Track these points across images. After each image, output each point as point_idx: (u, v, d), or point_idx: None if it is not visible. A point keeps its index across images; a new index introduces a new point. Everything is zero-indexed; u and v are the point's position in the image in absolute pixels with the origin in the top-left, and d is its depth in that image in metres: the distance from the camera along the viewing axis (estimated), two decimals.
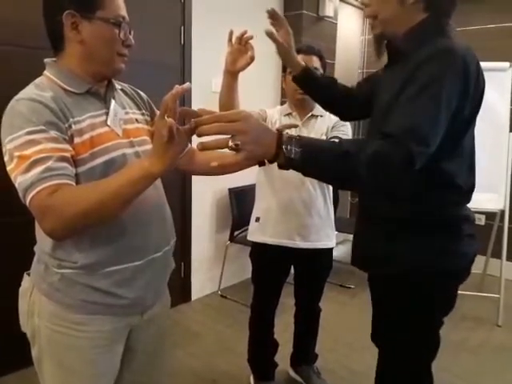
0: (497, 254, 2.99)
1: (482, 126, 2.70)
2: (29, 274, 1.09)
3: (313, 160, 0.92)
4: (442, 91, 1.05)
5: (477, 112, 1.18)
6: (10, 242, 1.96)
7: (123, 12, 1.03)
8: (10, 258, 1.66)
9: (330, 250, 1.97)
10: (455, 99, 1.07)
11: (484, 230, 3.42)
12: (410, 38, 1.16)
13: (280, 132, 0.90)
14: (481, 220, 3.68)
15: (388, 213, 1.22)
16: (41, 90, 0.97)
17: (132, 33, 1.07)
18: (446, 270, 1.20)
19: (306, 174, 1.01)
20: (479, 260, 3.31)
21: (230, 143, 0.83)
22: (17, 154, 0.89)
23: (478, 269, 3.37)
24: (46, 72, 1.04)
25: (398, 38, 1.19)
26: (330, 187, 1.91)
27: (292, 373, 2.20)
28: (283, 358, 2.17)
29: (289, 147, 0.89)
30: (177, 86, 0.86)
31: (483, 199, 2.92)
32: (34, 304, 1.04)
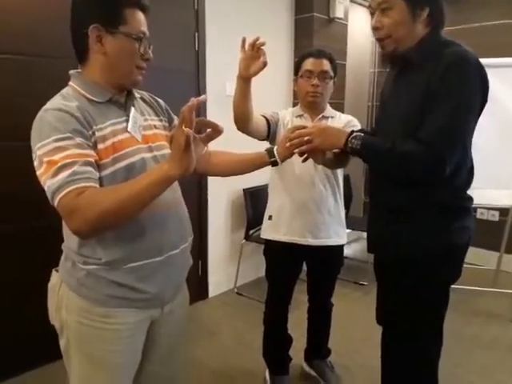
0: (510, 250, 2.99)
1: (492, 123, 2.77)
2: (57, 271, 1.18)
3: (367, 151, 1.32)
4: (466, 97, 1.21)
5: (482, 108, 1.28)
6: (39, 242, 2.06)
7: (144, 28, 1.11)
8: (40, 256, 1.75)
9: (341, 247, 2.01)
10: (478, 102, 1.23)
11: (498, 226, 3.43)
12: (420, 51, 1.28)
13: (352, 131, 1.36)
14: (495, 216, 3.68)
15: (395, 198, 1.35)
16: (67, 100, 1.05)
17: (151, 47, 1.14)
18: (453, 243, 1.34)
19: (362, 160, 1.37)
20: (493, 256, 3.35)
21: (305, 138, 1.34)
22: (46, 159, 0.97)
23: (492, 264, 3.38)
24: (71, 83, 1.12)
25: (409, 52, 1.29)
26: (341, 186, 1.96)
27: (306, 367, 2.25)
28: (297, 352, 2.22)
29: (353, 141, 1.32)
30: (193, 98, 0.94)
31: (497, 195, 2.93)
32: (62, 298, 1.12)
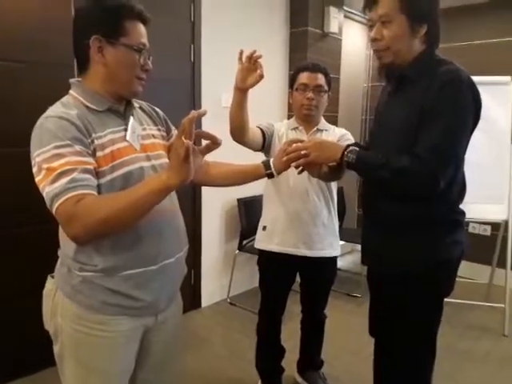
0: (502, 264, 3.02)
1: (485, 139, 2.83)
2: (52, 277, 1.18)
3: (362, 165, 1.36)
4: (460, 115, 1.24)
5: (475, 125, 1.31)
6: (35, 247, 2.07)
7: (144, 39, 1.13)
8: (36, 261, 1.75)
9: (335, 258, 2.03)
10: (471, 120, 1.27)
11: (490, 241, 3.46)
12: (415, 67, 1.32)
13: (347, 145, 1.39)
14: (486, 231, 3.71)
15: (390, 212, 1.37)
16: (67, 108, 1.07)
17: (151, 59, 1.17)
18: (446, 258, 1.36)
19: (358, 173, 1.42)
20: (485, 270, 3.37)
21: (302, 152, 1.38)
22: (45, 166, 0.98)
23: (484, 279, 3.40)
24: (71, 91, 1.14)
25: (404, 67, 1.33)
26: (335, 198, 1.98)
27: (299, 378, 2.25)
28: (290, 363, 2.22)
29: (349, 155, 1.35)
30: (193, 111, 0.96)
31: (488, 210, 2.97)
32: (57, 304, 1.13)
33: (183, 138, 0.94)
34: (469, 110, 1.26)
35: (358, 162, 1.34)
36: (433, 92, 1.24)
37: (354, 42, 4.14)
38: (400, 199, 1.34)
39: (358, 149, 1.37)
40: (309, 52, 3.33)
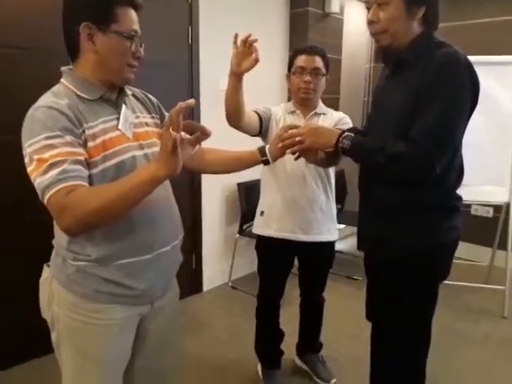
0: (503, 246, 3.01)
1: (487, 120, 2.78)
2: (48, 266, 1.19)
3: (357, 151, 1.34)
4: (457, 98, 1.22)
5: (473, 110, 1.29)
6: (32, 237, 2.08)
7: (136, 26, 1.11)
8: (33, 251, 1.76)
9: (333, 243, 2.03)
10: (469, 102, 1.25)
11: (491, 223, 3.45)
12: (413, 50, 1.30)
13: (342, 131, 1.39)
14: (489, 213, 3.70)
15: (385, 198, 1.36)
16: (57, 97, 1.05)
17: (143, 46, 1.15)
18: (441, 243, 1.36)
19: (353, 159, 1.39)
20: (487, 252, 3.38)
21: (297, 139, 1.37)
22: (36, 157, 0.98)
23: (486, 261, 3.41)
24: (62, 80, 1.12)
25: (402, 50, 1.31)
26: (333, 183, 1.97)
27: (298, 361, 2.28)
28: (290, 347, 2.25)
29: (344, 141, 1.34)
30: (180, 102, 0.95)
31: (490, 192, 2.96)
32: (53, 293, 1.14)
33: (171, 130, 0.93)
34: (466, 93, 1.23)
35: (352, 148, 1.33)
36: (430, 74, 1.22)
37: (355, 21, 4.05)
38: (395, 184, 1.33)
39: (353, 134, 1.35)
40: (309, 33, 3.27)
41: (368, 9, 1.34)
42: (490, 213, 3.70)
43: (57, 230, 1.12)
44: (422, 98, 1.23)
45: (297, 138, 1.36)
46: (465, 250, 3.69)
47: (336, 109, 2.16)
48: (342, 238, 4.11)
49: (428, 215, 1.33)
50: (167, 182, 1.24)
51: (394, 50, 1.33)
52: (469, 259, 3.65)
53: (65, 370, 1.18)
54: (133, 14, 1.11)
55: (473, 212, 3.77)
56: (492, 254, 3.33)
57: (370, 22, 1.32)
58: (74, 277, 1.10)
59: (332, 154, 1.43)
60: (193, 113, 2.80)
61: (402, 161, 1.25)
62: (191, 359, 2.35)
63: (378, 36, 1.33)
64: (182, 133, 0.98)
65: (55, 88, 1.11)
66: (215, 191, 3.16)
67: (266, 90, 3.25)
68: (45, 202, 0.98)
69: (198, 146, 1.33)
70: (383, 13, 1.28)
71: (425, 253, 1.34)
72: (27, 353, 2.22)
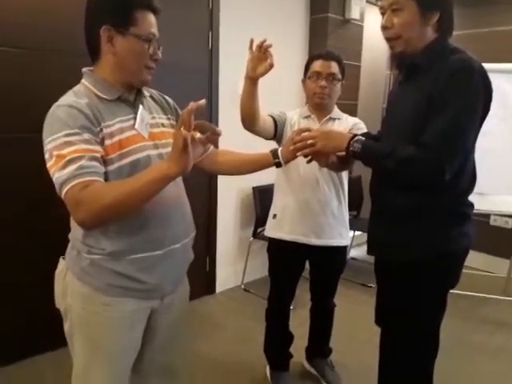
0: None
1: (507, 128, 2.72)
2: (64, 259, 1.24)
3: (367, 155, 1.34)
4: (469, 103, 1.22)
5: (485, 117, 1.28)
6: (48, 230, 2.13)
7: (154, 29, 1.15)
8: (49, 244, 1.82)
9: (344, 248, 2.03)
10: (480, 109, 1.25)
11: (510, 234, 3.38)
12: (427, 55, 1.30)
13: (354, 135, 1.38)
14: (507, 223, 3.63)
15: (395, 202, 1.37)
16: (78, 97, 1.10)
17: (161, 48, 1.19)
18: (452, 250, 1.35)
19: (363, 163, 1.39)
20: (504, 263, 3.31)
21: (309, 142, 1.38)
22: (55, 153, 1.02)
23: (504, 272, 3.34)
24: (83, 80, 1.17)
25: (416, 56, 1.32)
26: (346, 189, 1.98)
27: (306, 365, 2.28)
28: (299, 350, 2.25)
29: (355, 144, 1.34)
30: (192, 102, 0.98)
31: (509, 202, 2.90)
32: (68, 285, 1.19)
33: (182, 129, 0.96)
34: (478, 98, 1.23)
35: (363, 152, 1.33)
36: (443, 80, 1.22)
37: (376, 27, 4.01)
38: (406, 189, 1.33)
39: (364, 139, 1.36)
40: (329, 39, 3.28)
41: (382, 14, 1.35)
42: (509, 223, 3.63)
43: (73, 223, 1.17)
44: (435, 103, 1.23)
45: (308, 141, 1.38)
46: (482, 261, 3.64)
47: (354, 115, 2.17)
48: (357, 244, 4.09)
49: (439, 220, 1.33)
50: (180, 181, 1.28)
51: (408, 56, 1.33)
52: (486, 270, 3.58)
53: (76, 359, 1.22)
54: (151, 17, 1.15)
55: (491, 222, 3.70)
56: (510, 266, 3.26)
57: (384, 28, 1.34)
58: (88, 269, 1.14)
59: (344, 158, 1.44)
60: (211, 116, 2.85)
61: (412, 165, 1.25)
62: (202, 359, 2.37)
63: (393, 42, 1.34)
64: (194, 132, 1.01)
65: (76, 88, 1.16)
66: (231, 194, 3.20)
67: (285, 95, 3.27)
68: (62, 196, 1.02)
69: (210, 146, 1.37)
70: (397, 18, 1.29)
71: (435, 259, 1.33)
72: (40, 346, 2.28)
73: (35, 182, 1.94)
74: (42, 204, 2.11)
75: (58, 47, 2.15)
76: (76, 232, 1.16)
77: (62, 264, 1.24)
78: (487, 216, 3.61)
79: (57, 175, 1.02)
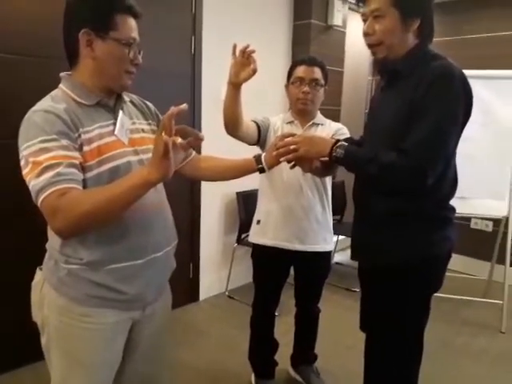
0: (502, 261, 3.00)
1: (486, 134, 2.78)
2: (41, 269, 1.19)
3: (349, 160, 1.34)
4: (450, 109, 1.23)
5: (465, 123, 1.30)
6: (25, 241, 2.08)
7: (134, 34, 1.13)
8: (25, 254, 1.77)
9: (328, 253, 2.03)
10: (461, 115, 1.26)
11: (491, 237, 3.44)
12: (408, 62, 1.31)
13: (337, 140, 1.38)
14: (488, 226, 3.69)
15: (378, 207, 1.37)
16: (55, 102, 1.07)
17: (141, 53, 1.17)
18: (435, 254, 1.36)
19: (346, 169, 1.39)
20: (486, 266, 3.36)
21: (291, 147, 1.37)
22: (31, 159, 0.99)
23: (485, 275, 3.39)
24: (61, 85, 1.14)
25: (397, 62, 1.33)
26: (329, 194, 1.98)
27: (292, 372, 2.27)
28: (284, 358, 2.23)
29: (337, 150, 1.34)
30: (173, 107, 0.96)
31: (489, 206, 2.95)
32: (44, 296, 1.14)
33: (163, 135, 0.94)
34: (459, 104, 1.24)
35: (346, 157, 1.33)
36: (424, 86, 1.23)
37: (358, 34, 4.06)
38: (388, 194, 1.34)
39: (346, 144, 1.36)
40: (312, 45, 3.30)
41: (364, 21, 1.36)
42: (490, 227, 3.69)
43: (50, 232, 1.13)
44: (416, 110, 1.24)
45: (291, 147, 1.37)
46: (463, 264, 3.69)
47: (337, 120, 2.18)
48: (341, 249, 4.10)
49: (422, 225, 1.33)
50: (161, 187, 1.25)
51: (389, 62, 1.34)
52: (467, 273, 3.63)
53: (54, 373, 1.18)
54: (132, 21, 1.13)
55: (472, 226, 3.77)
56: (491, 269, 3.31)
57: (366, 34, 1.35)
58: (65, 280, 1.11)
59: (328, 164, 1.44)
60: (194, 121, 2.83)
61: (394, 171, 1.25)
62: (184, 367, 2.33)
63: (374, 48, 1.35)
64: (175, 137, 0.99)
65: (53, 93, 1.13)
66: (214, 200, 3.17)
67: (268, 101, 3.27)
68: (38, 204, 0.99)
69: (192, 151, 1.35)
70: (379, 25, 1.30)
71: (418, 263, 1.34)
72: (20, 359, 2.21)
73: (15, 189, 1.89)
74: (24, 212, 2.05)
75: (37, 53, 2.09)
76: (53, 241, 1.13)
77: (38, 275, 1.19)
78: (468, 219, 3.66)
79: (33, 183, 0.98)
